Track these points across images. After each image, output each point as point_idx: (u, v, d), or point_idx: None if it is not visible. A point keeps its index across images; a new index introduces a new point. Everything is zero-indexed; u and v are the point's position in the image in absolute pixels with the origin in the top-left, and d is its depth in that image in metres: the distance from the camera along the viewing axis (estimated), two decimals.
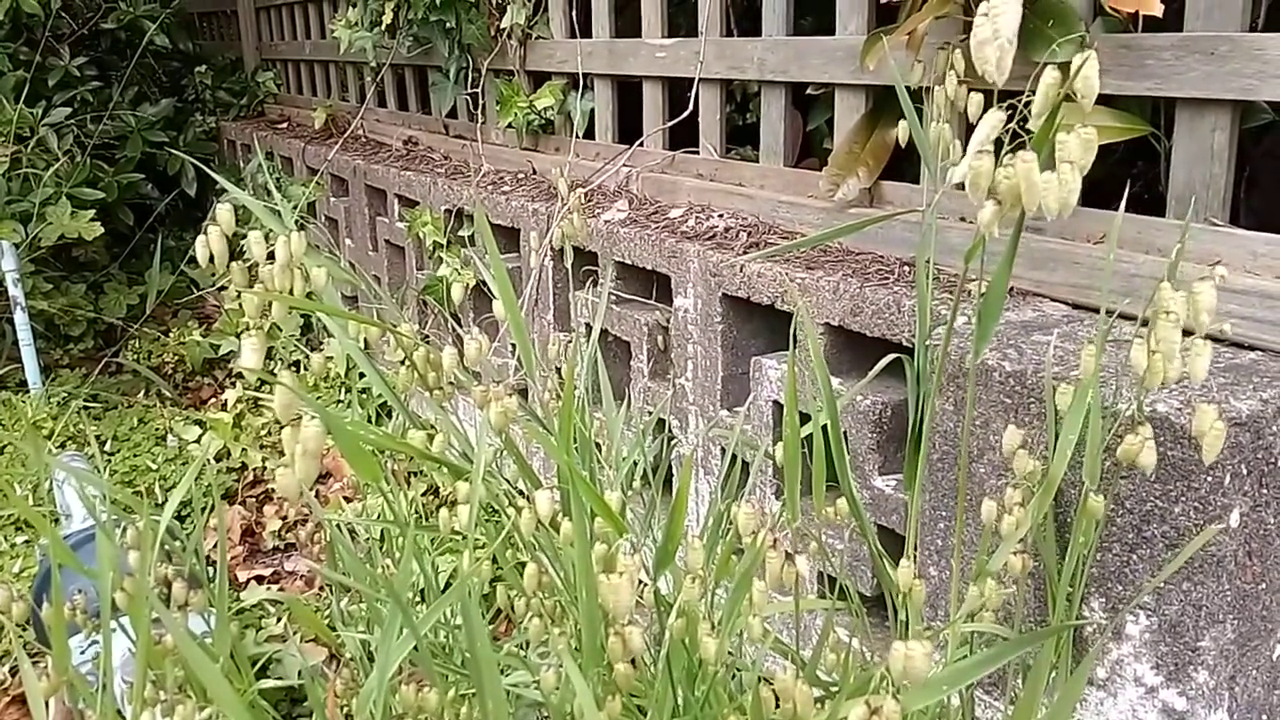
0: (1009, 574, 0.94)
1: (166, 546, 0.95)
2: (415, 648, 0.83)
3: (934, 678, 0.69)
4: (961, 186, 1.34)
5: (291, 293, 0.86)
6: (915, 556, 1.12)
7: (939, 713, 1.03)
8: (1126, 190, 0.98)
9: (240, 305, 0.84)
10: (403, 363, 0.98)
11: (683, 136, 1.92)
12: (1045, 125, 0.69)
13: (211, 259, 0.86)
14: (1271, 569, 0.98)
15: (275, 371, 0.73)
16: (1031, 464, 0.96)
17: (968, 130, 1.33)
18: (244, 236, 0.87)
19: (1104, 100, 1.19)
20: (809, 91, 1.72)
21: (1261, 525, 0.96)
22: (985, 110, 1.22)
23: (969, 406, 1.06)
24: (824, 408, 1.02)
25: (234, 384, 2.89)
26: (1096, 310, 1.21)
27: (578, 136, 2.17)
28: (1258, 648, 1.00)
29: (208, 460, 2.50)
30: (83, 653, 1.44)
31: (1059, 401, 0.96)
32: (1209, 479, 0.93)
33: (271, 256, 0.86)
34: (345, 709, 1.21)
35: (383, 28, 2.63)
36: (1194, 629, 0.96)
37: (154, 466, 2.57)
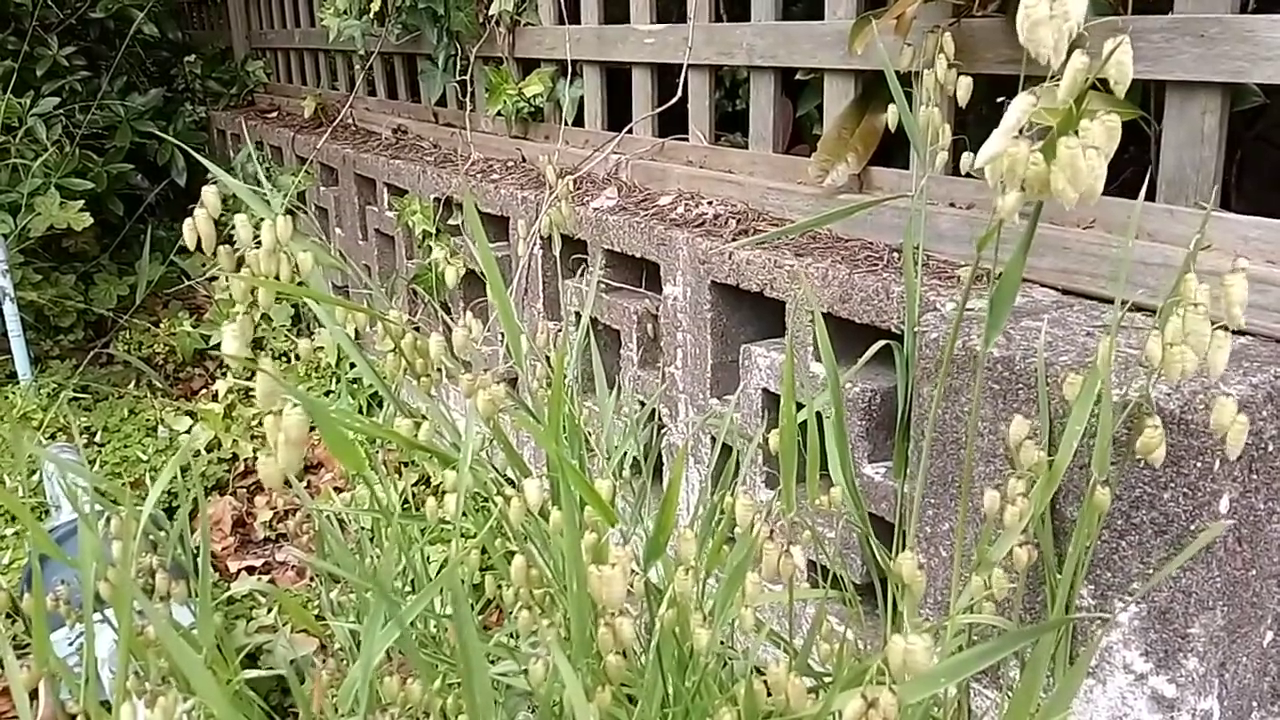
0: (1012, 565, 0.94)
1: (151, 536, 0.95)
2: (402, 637, 0.83)
3: (932, 669, 0.68)
4: (956, 171, 1.33)
5: (278, 278, 0.85)
6: (920, 545, 1.12)
7: (934, 702, 1.03)
8: (1122, 176, 0.97)
9: (230, 294, 0.83)
10: (392, 350, 0.97)
11: (672, 123, 1.91)
12: (1070, 110, 0.68)
13: (199, 245, 0.85)
14: (1261, 555, 0.98)
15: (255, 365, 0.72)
16: (1037, 454, 0.95)
17: (957, 115, 1.32)
18: (233, 224, 0.86)
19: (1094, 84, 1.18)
20: (798, 77, 1.71)
21: (1251, 511, 0.96)
22: (973, 95, 1.21)
23: (976, 393, 1.06)
24: (817, 395, 1.02)
25: (225, 374, 2.88)
26: (1086, 296, 1.21)
27: (567, 124, 2.16)
28: (1248, 634, 0.99)
29: (198, 451, 2.49)
30: (70, 644, 1.44)
31: (1060, 390, 0.95)
32: (1199, 465, 0.92)
33: (258, 242, 0.85)
34: (334, 699, 1.20)
35: (371, 15, 2.61)
36: (1184, 616, 0.96)
37: (144, 458, 2.56)
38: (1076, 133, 0.67)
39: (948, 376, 1.11)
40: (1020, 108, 0.68)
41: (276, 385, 0.70)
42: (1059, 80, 0.67)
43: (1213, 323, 0.81)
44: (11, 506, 0.92)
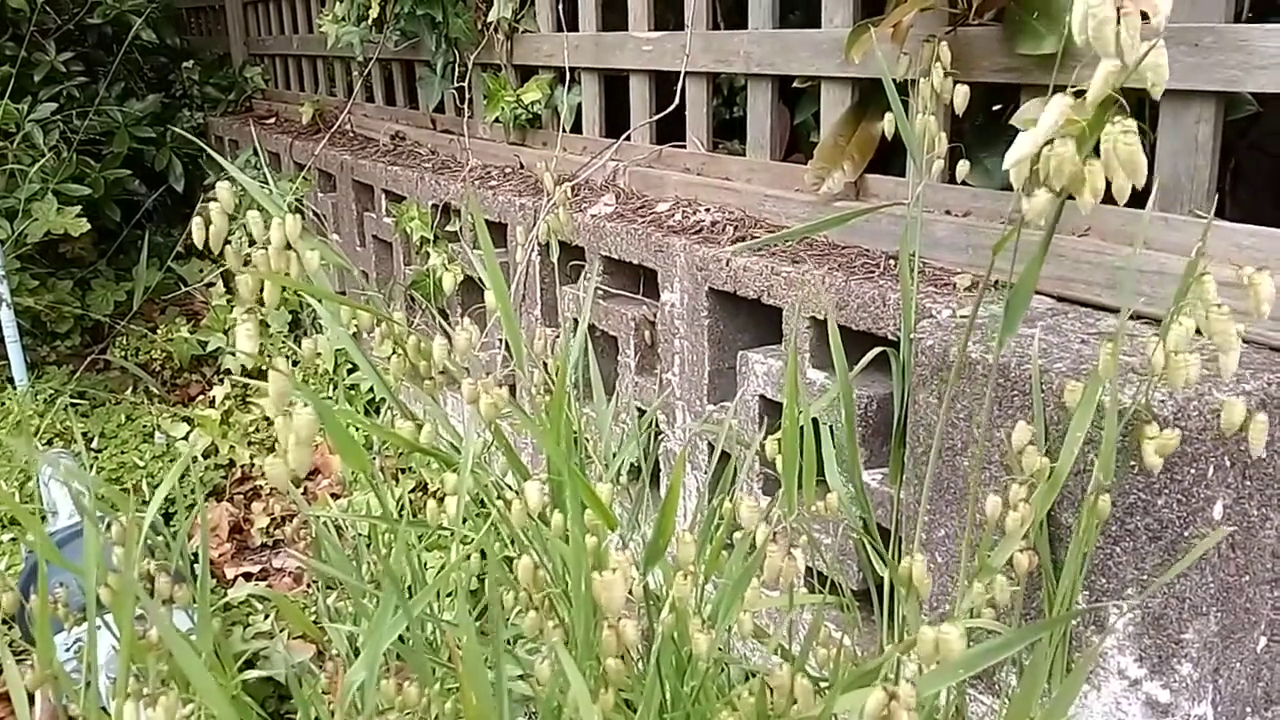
0: (1014, 571, 0.94)
1: (150, 542, 0.95)
2: (403, 640, 0.83)
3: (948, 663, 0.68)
4: (953, 179, 1.33)
5: (286, 275, 0.85)
6: (918, 551, 1.12)
7: (930, 707, 1.03)
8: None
9: (228, 301, 0.84)
10: (393, 353, 0.98)
11: (670, 130, 1.91)
12: (1099, 113, 0.67)
13: (207, 243, 0.85)
14: (1254, 561, 0.99)
15: (267, 364, 0.73)
16: (1039, 460, 0.95)
17: (953, 123, 1.33)
18: (235, 230, 0.86)
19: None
20: (796, 85, 1.72)
21: (1245, 517, 0.96)
22: (969, 103, 1.22)
23: (987, 400, 1.06)
24: (814, 401, 1.02)
25: (222, 380, 2.88)
26: (1081, 303, 1.22)
27: (565, 131, 2.17)
28: (1241, 640, 1.00)
29: (195, 457, 2.49)
30: (68, 649, 1.44)
31: (1055, 396, 0.95)
32: (1192, 471, 0.93)
33: (265, 242, 0.86)
34: (330, 705, 1.21)
35: (370, 22, 2.62)
36: (1177, 621, 0.96)
37: (141, 464, 2.57)
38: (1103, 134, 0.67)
39: (944, 384, 1.12)
40: (1057, 109, 0.67)
41: (288, 385, 0.70)
42: (1066, 89, 0.67)
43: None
44: (14, 510, 0.92)
